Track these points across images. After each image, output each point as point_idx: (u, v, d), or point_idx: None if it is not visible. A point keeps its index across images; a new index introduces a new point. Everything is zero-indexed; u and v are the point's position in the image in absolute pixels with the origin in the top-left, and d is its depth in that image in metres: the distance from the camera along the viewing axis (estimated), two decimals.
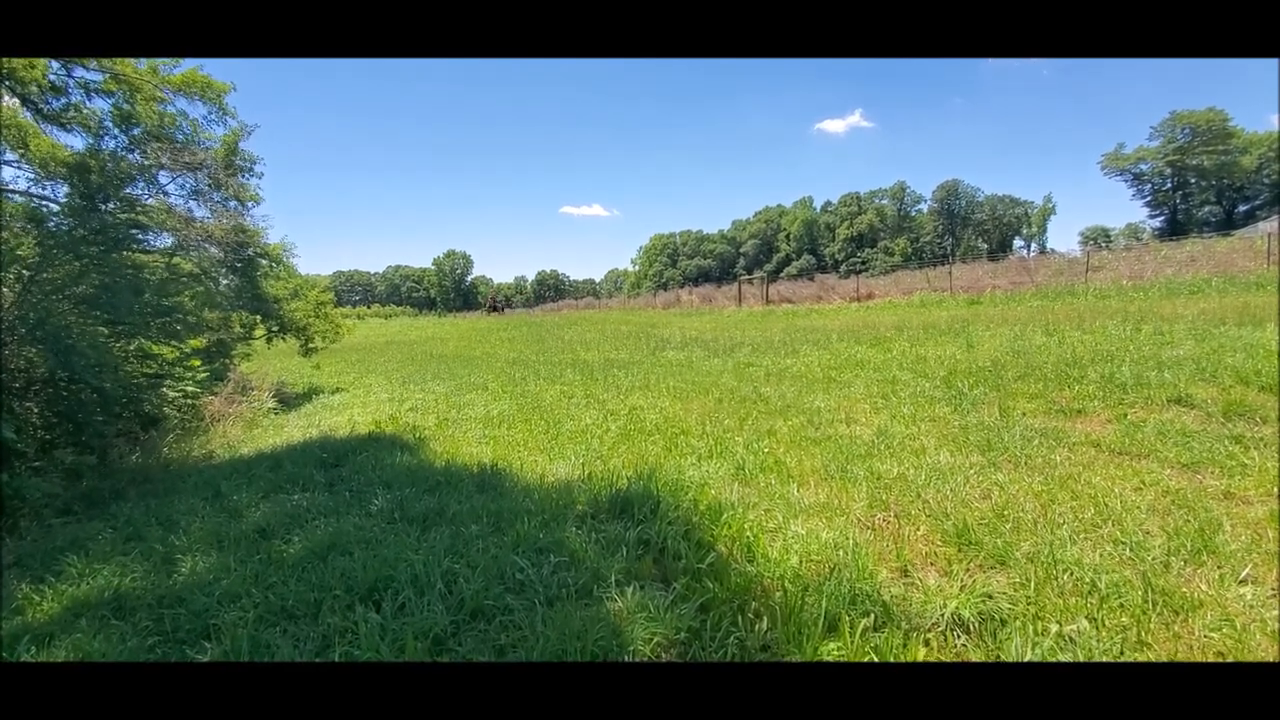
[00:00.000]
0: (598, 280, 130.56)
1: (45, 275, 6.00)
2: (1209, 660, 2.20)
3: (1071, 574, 2.68)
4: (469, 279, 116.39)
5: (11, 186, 8.48)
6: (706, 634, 2.45)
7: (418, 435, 6.81)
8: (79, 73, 8.71)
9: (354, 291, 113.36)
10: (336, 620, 2.70)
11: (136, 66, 9.02)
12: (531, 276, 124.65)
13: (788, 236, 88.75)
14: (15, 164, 8.47)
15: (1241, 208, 54.18)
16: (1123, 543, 2.94)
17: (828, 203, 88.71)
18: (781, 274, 67.50)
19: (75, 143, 8.99)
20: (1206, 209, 55.75)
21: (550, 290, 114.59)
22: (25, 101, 8.47)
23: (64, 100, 8.78)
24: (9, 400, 5.67)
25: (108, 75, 8.85)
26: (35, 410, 5.99)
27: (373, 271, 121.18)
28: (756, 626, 2.48)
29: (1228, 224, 47.65)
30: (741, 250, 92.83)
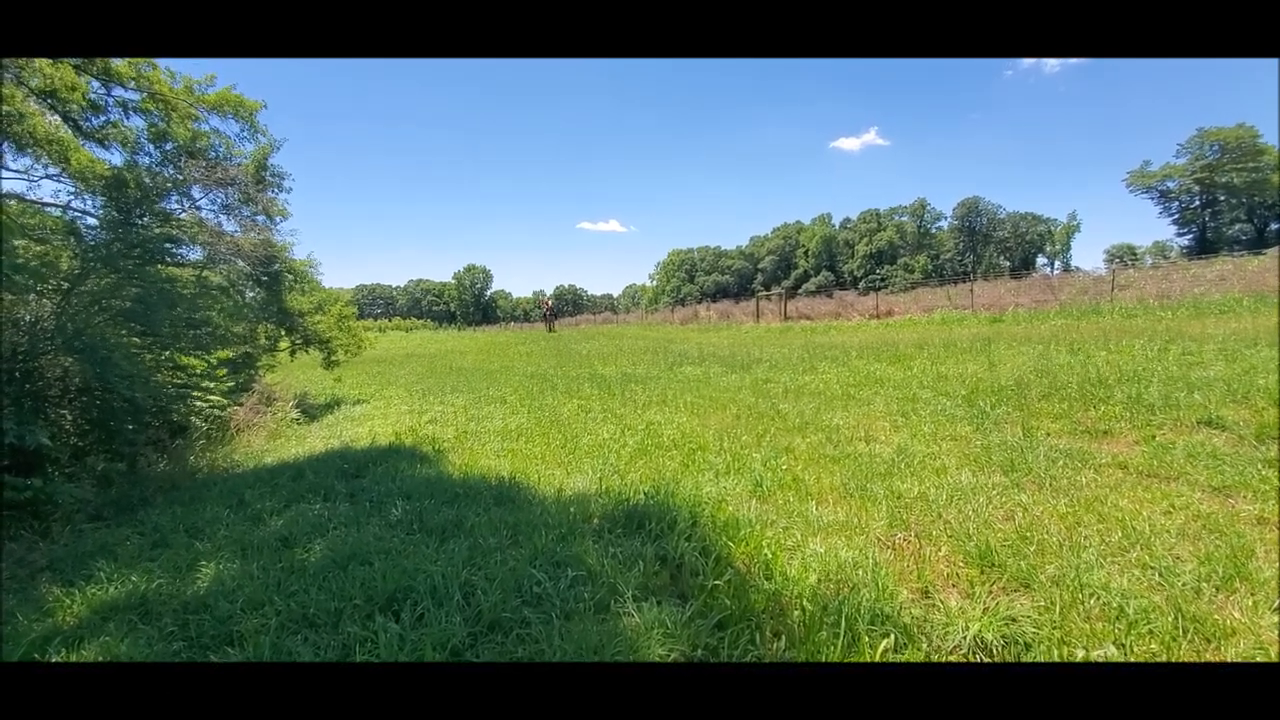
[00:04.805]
0: (615, 295, 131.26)
1: (83, 287, 6.18)
2: (1209, 660, 2.16)
3: (1098, 598, 2.63)
4: (489, 293, 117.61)
5: (53, 200, 8.80)
6: (724, 651, 2.44)
7: (437, 447, 6.88)
8: (118, 91, 9.07)
9: (376, 304, 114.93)
10: (356, 629, 2.73)
11: (173, 86, 9.35)
12: (550, 291, 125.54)
13: (806, 253, 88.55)
14: (56, 177, 8.79)
15: (1274, 225, 52.97)
16: (1151, 567, 2.88)
17: (846, 219, 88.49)
18: (800, 290, 67.27)
19: (113, 159, 9.32)
20: (1237, 227, 54.62)
21: (568, 305, 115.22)
22: (66, 119, 8.81)
23: (103, 118, 9.14)
24: (44, 407, 5.84)
25: (145, 94, 9.18)
26: (69, 418, 6.16)
27: (394, 285, 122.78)
28: (774, 645, 2.47)
29: (1259, 242, 46.58)
30: (760, 266, 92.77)
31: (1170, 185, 57.09)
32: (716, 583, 2.93)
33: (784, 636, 2.51)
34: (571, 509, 4.12)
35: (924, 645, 2.44)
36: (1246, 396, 5.48)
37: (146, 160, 9.59)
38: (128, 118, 9.34)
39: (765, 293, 40.56)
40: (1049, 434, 5.28)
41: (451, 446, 6.98)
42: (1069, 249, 73.09)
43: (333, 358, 15.12)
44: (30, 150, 8.34)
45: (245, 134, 10.46)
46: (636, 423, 7.24)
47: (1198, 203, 56.42)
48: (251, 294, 12.05)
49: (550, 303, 44.12)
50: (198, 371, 8.26)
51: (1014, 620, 2.52)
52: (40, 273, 5.92)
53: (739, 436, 6.12)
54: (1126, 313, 15.73)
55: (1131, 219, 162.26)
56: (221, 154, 10.30)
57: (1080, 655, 2.29)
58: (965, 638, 2.44)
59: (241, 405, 10.04)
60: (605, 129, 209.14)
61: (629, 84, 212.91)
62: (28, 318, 5.82)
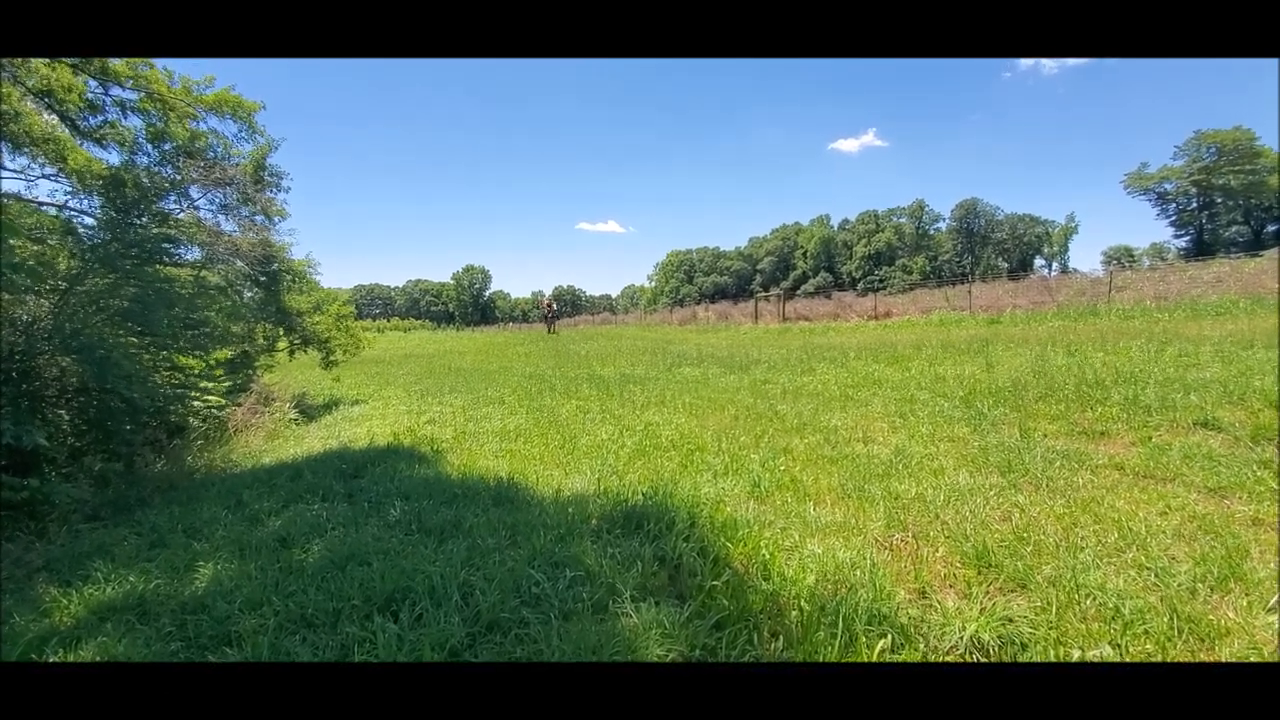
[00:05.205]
0: (614, 296, 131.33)
1: (81, 287, 6.17)
2: (1204, 660, 2.17)
3: (1094, 599, 2.64)
4: (487, 294, 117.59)
5: (50, 199, 8.78)
6: (722, 652, 2.44)
7: (435, 448, 6.88)
8: (115, 91, 9.05)
9: (374, 305, 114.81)
10: (355, 630, 2.73)
11: (171, 86, 9.34)
12: (549, 292, 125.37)
13: (805, 254, 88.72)
14: (54, 177, 8.78)
15: (1271, 227, 53.15)
16: (1147, 568, 2.89)
17: (845, 220, 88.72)
18: (798, 291, 67.35)
19: (111, 158, 9.31)
20: (1234, 229, 54.78)
21: (567, 306, 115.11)
22: (63, 118, 8.80)
23: (101, 117, 9.12)
24: (41, 407, 5.83)
25: (143, 94, 9.17)
26: (66, 418, 6.15)
27: (392, 285, 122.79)
28: (772, 645, 2.47)
29: (1256, 244, 46.67)
30: (758, 267, 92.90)
31: (1168, 187, 57.32)
32: (714, 583, 2.93)
33: (782, 637, 2.52)
34: (570, 509, 4.13)
35: (921, 645, 2.45)
36: (1242, 398, 5.50)
37: (144, 160, 9.58)
38: (125, 117, 9.33)
39: (764, 294, 40.53)
40: (1046, 435, 5.30)
41: (450, 447, 6.98)
42: (1067, 250, 73.36)
43: (331, 358, 15.11)
44: (27, 149, 8.32)
45: (244, 134, 10.46)
46: (635, 423, 7.24)
47: (1195, 205, 56.63)
48: (250, 294, 12.04)
49: (552, 304, 42.86)
50: (196, 371, 8.24)
51: (1010, 620, 2.53)
52: (37, 272, 5.91)
53: (737, 437, 6.13)
54: (1124, 314, 15.77)
55: (1129, 221, 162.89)
56: (220, 154, 10.29)
57: (1076, 655, 2.30)
58: (962, 638, 2.45)
59: (239, 405, 10.02)
60: (604, 129, 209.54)
61: (628, 84, 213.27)
62: (25, 317, 5.81)
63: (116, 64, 8.62)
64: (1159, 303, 17.01)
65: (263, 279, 11.63)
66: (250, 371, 11.59)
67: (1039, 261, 74.79)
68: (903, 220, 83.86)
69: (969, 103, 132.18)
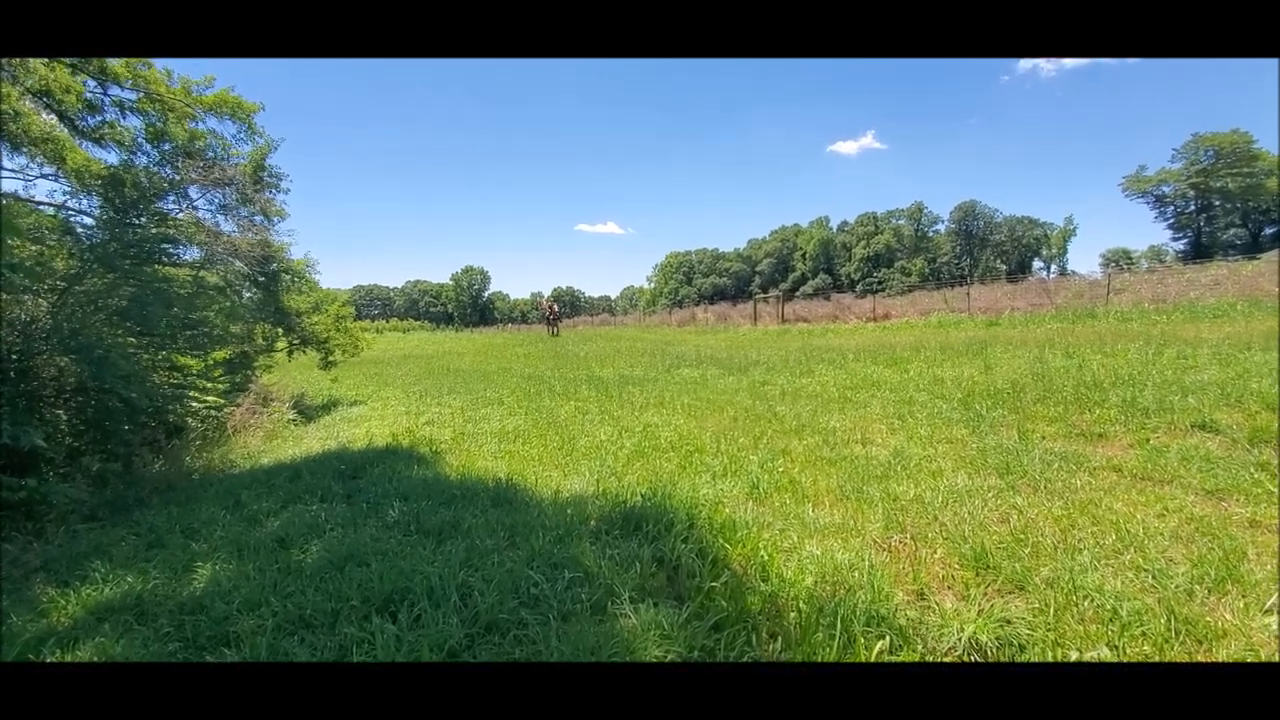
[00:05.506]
0: (613, 297, 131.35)
1: (80, 287, 6.16)
2: (1208, 661, 2.17)
3: (1092, 600, 2.64)
4: (486, 294, 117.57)
5: (48, 199, 8.77)
6: (720, 653, 2.44)
7: (434, 449, 6.87)
8: (114, 91, 9.05)
9: (373, 305, 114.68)
10: (353, 630, 2.72)
11: (170, 86, 9.34)
12: (548, 293, 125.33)
13: (804, 256, 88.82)
14: (52, 177, 8.77)
15: (1268, 230, 53.34)
16: (1145, 570, 2.89)
17: (844, 222, 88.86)
18: (797, 293, 67.39)
19: (110, 158, 9.30)
20: (1232, 231, 54.97)
21: (566, 307, 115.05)
22: (62, 118, 8.79)
23: (99, 117, 9.11)
24: (39, 407, 5.81)
25: (142, 94, 9.16)
26: (64, 418, 6.13)
27: (391, 286, 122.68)
28: (771, 646, 2.47)
29: (1254, 247, 46.79)
30: (757, 269, 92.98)
31: (1166, 190, 57.51)
32: (713, 584, 2.94)
33: (780, 638, 2.52)
34: (569, 510, 4.12)
35: (919, 647, 2.45)
36: (1240, 400, 5.52)
37: (144, 160, 9.58)
38: (124, 117, 9.33)
39: (763, 295, 40.55)
40: (1044, 437, 5.30)
41: (449, 448, 6.97)
42: (1065, 253, 73.56)
43: (330, 358, 15.07)
44: (25, 149, 8.31)
45: (243, 135, 10.46)
46: (634, 425, 7.24)
47: (1193, 207, 56.83)
48: (249, 294, 12.02)
49: (554, 306, 42.32)
50: (194, 372, 8.23)
51: (1008, 622, 2.54)
52: (36, 272, 5.90)
53: (736, 439, 6.13)
54: (1122, 316, 15.80)
55: (1127, 223, 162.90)
56: (219, 154, 10.29)
57: (1074, 657, 2.30)
58: (960, 639, 2.45)
59: (238, 406, 10.01)
60: (604, 129, 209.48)
61: (628, 84, 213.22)
62: (23, 317, 5.80)
63: (115, 64, 8.61)
64: (1157, 305, 17.06)
65: (261, 279, 11.61)
66: (249, 372, 11.56)
67: (1037, 264, 75.01)
68: (901, 222, 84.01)
69: (968, 105, 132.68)
